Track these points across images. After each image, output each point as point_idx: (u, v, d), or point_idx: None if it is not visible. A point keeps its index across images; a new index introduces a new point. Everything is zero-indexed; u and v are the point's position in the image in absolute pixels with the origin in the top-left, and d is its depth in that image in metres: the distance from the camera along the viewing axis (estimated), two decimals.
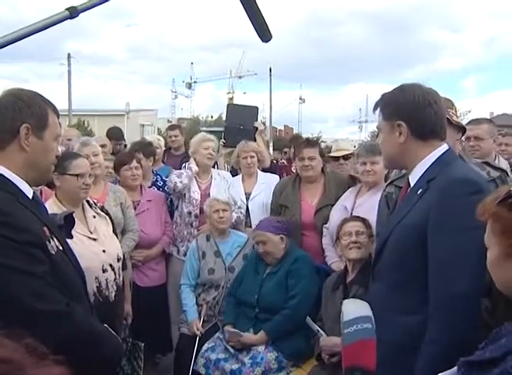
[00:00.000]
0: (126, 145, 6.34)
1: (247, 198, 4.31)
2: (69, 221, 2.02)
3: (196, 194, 4.22)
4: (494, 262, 1.13)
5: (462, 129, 2.60)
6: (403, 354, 1.71)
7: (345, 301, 1.33)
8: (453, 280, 1.66)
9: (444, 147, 1.88)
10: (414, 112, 1.84)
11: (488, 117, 6.83)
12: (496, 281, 1.14)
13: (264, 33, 1.59)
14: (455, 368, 1.10)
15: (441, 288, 1.68)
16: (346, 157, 4.40)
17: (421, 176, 1.85)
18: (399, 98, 1.88)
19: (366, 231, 3.10)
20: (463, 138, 2.94)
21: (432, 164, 1.84)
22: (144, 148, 4.57)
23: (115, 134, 5.77)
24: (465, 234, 1.60)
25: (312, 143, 4.02)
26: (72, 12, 1.28)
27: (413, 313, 1.73)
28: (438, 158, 1.84)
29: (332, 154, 4.48)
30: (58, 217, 1.97)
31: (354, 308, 1.26)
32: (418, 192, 1.82)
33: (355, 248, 3.07)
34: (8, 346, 0.58)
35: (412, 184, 1.90)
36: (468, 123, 3.77)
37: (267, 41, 1.61)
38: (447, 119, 2.29)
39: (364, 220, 3.16)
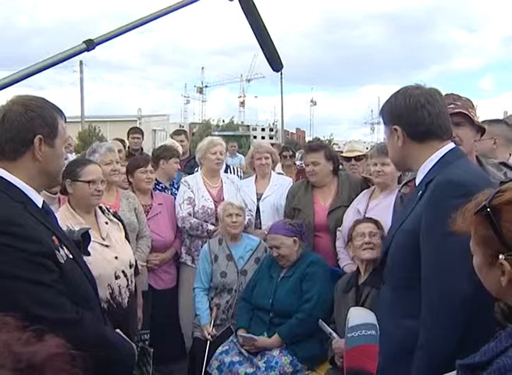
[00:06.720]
0: (142, 148, 6.47)
1: (258, 199, 4.31)
2: (85, 238, 2.00)
3: (209, 202, 4.15)
4: (479, 268, 1.12)
5: (482, 129, 2.56)
6: (406, 357, 1.70)
7: (351, 309, 1.34)
8: (440, 285, 1.64)
9: (447, 147, 1.84)
10: (405, 115, 1.84)
11: (502, 117, 6.70)
12: (485, 286, 1.13)
13: (274, 62, 1.64)
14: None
15: (429, 294, 1.67)
16: (358, 158, 4.40)
17: (422, 179, 1.84)
18: (392, 103, 1.90)
19: (379, 232, 3.09)
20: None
21: (434, 165, 1.82)
22: (168, 152, 4.56)
23: (132, 130, 6.75)
24: (450, 239, 1.43)
25: (315, 148, 3.95)
26: (89, 45, 1.34)
27: (415, 317, 1.72)
28: (440, 158, 1.82)
29: (344, 154, 4.49)
30: (76, 234, 1.96)
31: (360, 315, 1.27)
32: (418, 195, 1.81)
33: (369, 248, 3.05)
34: None
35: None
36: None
37: (278, 71, 1.69)
38: (469, 118, 2.25)
39: (376, 222, 3.15)
